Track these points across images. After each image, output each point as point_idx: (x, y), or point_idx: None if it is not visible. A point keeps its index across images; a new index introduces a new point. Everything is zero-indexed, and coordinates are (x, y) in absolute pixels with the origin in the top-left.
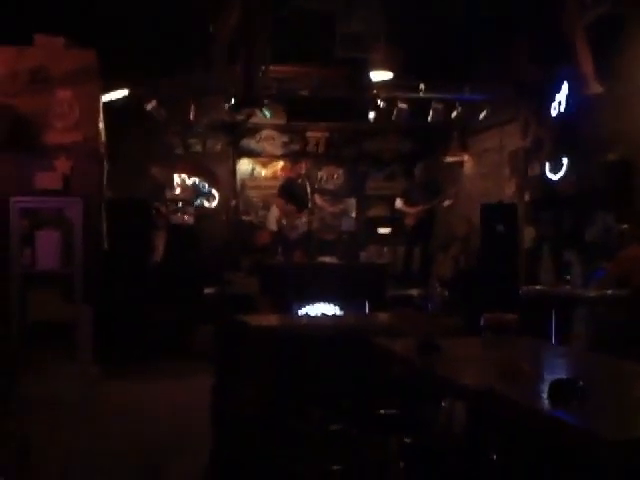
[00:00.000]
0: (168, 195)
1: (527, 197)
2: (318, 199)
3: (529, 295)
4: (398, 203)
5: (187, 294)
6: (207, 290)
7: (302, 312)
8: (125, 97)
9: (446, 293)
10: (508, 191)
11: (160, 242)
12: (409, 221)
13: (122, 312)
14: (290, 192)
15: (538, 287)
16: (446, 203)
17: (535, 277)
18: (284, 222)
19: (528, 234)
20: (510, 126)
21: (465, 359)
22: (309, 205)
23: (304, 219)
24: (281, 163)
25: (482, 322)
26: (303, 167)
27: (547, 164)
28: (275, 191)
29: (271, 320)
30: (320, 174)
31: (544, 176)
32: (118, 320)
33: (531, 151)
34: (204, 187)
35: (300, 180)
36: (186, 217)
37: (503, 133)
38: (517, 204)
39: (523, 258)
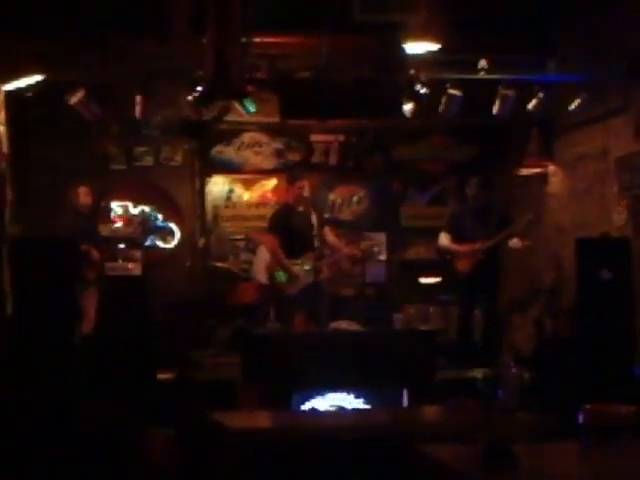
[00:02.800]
0: (103, 232)
1: None
2: (329, 235)
3: None
4: (443, 239)
5: (132, 382)
6: (162, 375)
7: (307, 407)
8: (38, 85)
9: (526, 375)
10: (617, 218)
11: (91, 303)
12: (462, 266)
13: (34, 409)
14: (287, 225)
15: None
16: (513, 242)
17: None
18: (279, 271)
19: None
20: (618, 120)
21: (556, 476)
22: (315, 245)
23: (308, 266)
24: (273, 182)
25: (581, 419)
26: (306, 187)
27: None
28: (264, 224)
29: (260, 420)
30: (332, 197)
31: None
32: (29, 423)
33: None
34: (157, 219)
35: (302, 207)
36: (130, 265)
37: (608, 131)
38: (631, 238)
39: None
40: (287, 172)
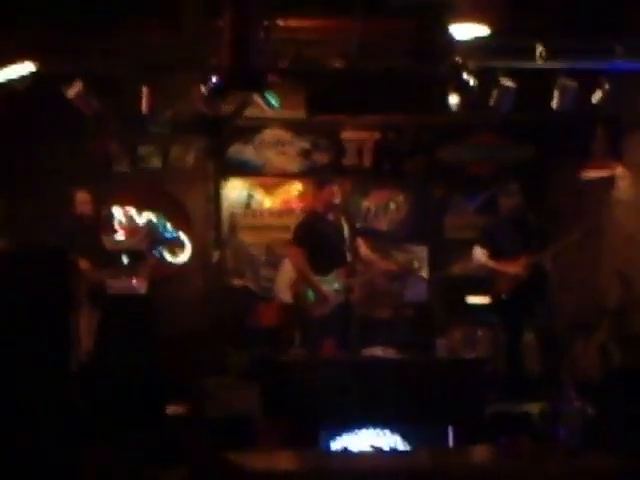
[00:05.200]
0: (105, 243)
1: None
2: (363, 248)
3: None
4: (479, 255)
5: (136, 417)
6: (171, 409)
7: (337, 445)
8: (30, 76)
9: (590, 409)
10: None
11: (87, 326)
12: (504, 286)
13: (22, 456)
14: (315, 237)
15: None
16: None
17: None
18: (307, 289)
19: None
20: None
21: None
22: (347, 259)
23: (338, 283)
24: (298, 186)
25: None
26: (336, 193)
27: None
28: (288, 235)
29: (283, 461)
30: (366, 204)
31: None
32: (15, 473)
33: None
34: (165, 229)
35: (331, 216)
36: (135, 282)
37: None
38: None
39: None
40: (315, 175)
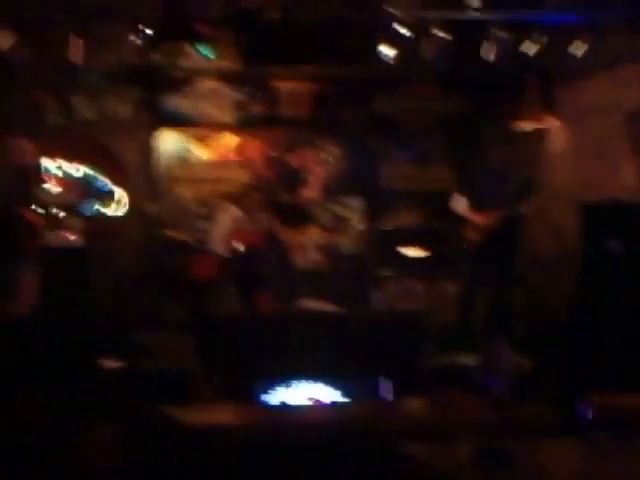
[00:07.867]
0: (39, 195)
1: None
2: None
3: None
4: (460, 203)
5: (71, 371)
6: (107, 363)
7: (274, 399)
8: None
9: (524, 362)
10: (627, 180)
11: (28, 279)
12: (472, 236)
13: None
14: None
15: None
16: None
17: None
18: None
19: None
20: (627, 68)
21: (557, 478)
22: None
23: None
24: (233, 138)
25: (588, 412)
26: (270, 143)
27: None
28: (225, 188)
29: (220, 415)
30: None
31: None
32: None
33: None
34: (100, 182)
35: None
36: (70, 235)
37: (615, 80)
38: None
39: None
40: (250, 126)
